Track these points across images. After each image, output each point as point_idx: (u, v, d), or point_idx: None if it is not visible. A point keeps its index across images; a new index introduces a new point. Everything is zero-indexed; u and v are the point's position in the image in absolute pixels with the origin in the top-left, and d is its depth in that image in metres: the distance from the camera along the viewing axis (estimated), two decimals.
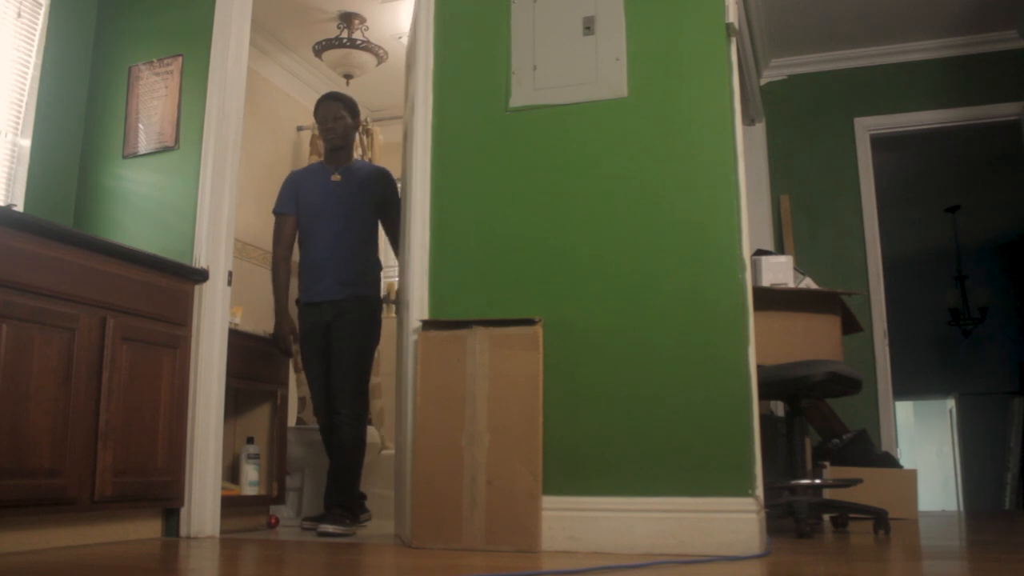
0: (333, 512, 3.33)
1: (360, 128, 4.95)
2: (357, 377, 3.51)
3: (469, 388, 2.64)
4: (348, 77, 4.82)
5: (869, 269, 5.04)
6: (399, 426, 2.96)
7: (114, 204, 3.43)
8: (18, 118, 3.37)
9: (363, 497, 3.70)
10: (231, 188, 3.30)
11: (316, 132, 4.99)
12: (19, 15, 3.35)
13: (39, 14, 3.44)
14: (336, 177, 3.69)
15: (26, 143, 3.36)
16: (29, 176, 3.35)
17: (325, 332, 3.55)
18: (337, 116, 3.70)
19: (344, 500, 3.39)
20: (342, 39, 4.63)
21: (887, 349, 4.93)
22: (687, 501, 2.45)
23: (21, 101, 3.38)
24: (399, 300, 3.16)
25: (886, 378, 4.88)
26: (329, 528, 3.20)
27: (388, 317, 5.18)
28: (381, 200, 3.71)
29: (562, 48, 2.86)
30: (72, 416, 2.57)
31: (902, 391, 6.14)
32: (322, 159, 3.83)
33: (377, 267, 3.73)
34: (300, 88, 5.21)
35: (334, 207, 3.63)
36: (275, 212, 3.74)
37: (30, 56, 3.41)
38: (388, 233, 3.76)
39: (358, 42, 4.64)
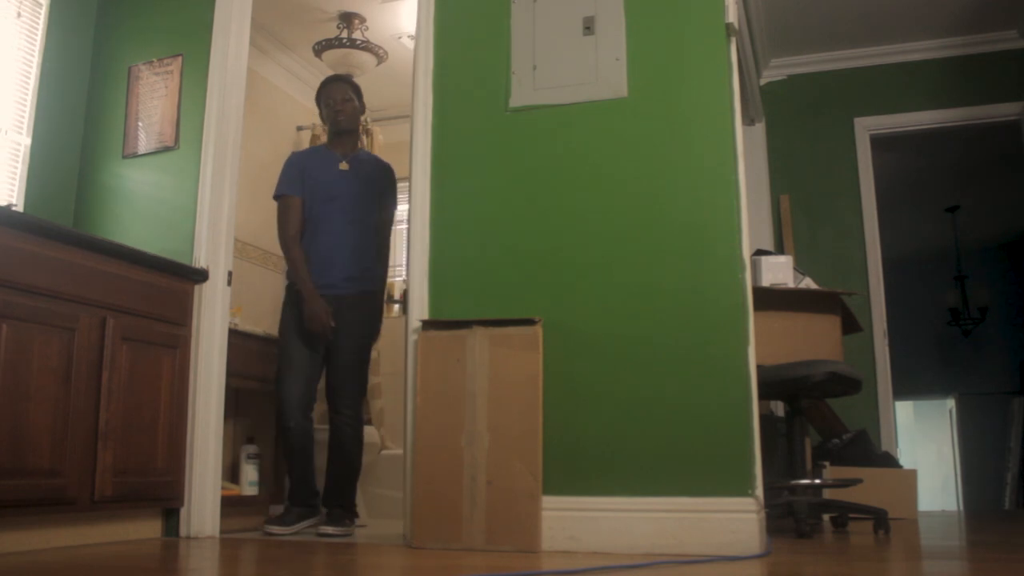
0: (334, 512, 3.30)
1: (360, 127, 4.94)
2: (360, 376, 3.44)
3: (469, 388, 2.64)
4: None
5: (869, 269, 5.04)
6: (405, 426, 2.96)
7: (114, 204, 3.43)
8: (20, 118, 3.37)
9: (315, 496, 3.48)
10: (231, 188, 3.30)
11: (317, 128, 4.98)
12: (19, 15, 3.35)
13: (39, 14, 3.44)
14: (344, 166, 3.52)
15: (26, 142, 3.36)
16: (29, 176, 3.35)
17: None
18: (346, 97, 3.55)
19: (344, 500, 3.37)
20: (342, 39, 4.63)
21: (887, 349, 4.93)
22: (687, 501, 2.45)
23: (22, 100, 3.38)
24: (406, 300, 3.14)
25: (886, 378, 4.88)
26: (329, 529, 3.18)
27: (388, 317, 5.18)
28: (381, 195, 3.59)
29: (562, 48, 2.86)
30: (72, 416, 2.57)
31: (902, 391, 6.14)
32: (326, 144, 3.65)
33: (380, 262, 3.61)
34: (300, 88, 5.21)
35: (342, 198, 3.46)
36: (280, 194, 3.47)
37: (30, 56, 3.41)
38: (385, 231, 3.64)
39: (358, 42, 4.63)
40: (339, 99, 3.53)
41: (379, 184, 3.59)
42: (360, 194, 3.50)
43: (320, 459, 3.53)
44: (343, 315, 3.40)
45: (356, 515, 3.47)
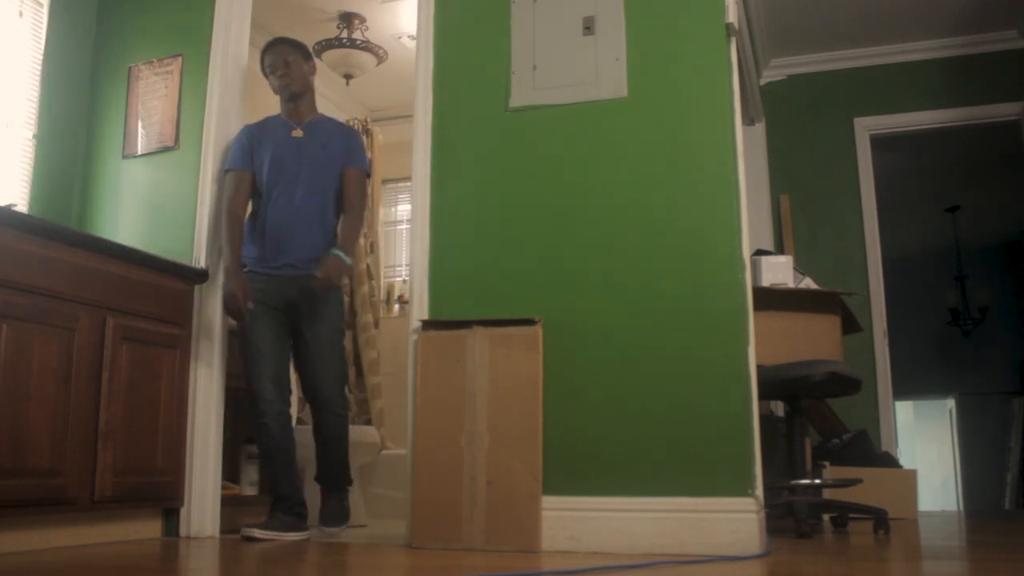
0: (329, 504, 3.15)
1: (360, 127, 4.94)
2: (341, 363, 3.17)
3: (469, 388, 2.64)
4: (348, 77, 4.82)
5: (869, 269, 5.04)
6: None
7: (114, 204, 3.43)
8: (31, 115, 3.37)
9: (303, 506, 3.11)
10: None
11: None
12: (21, 15, 3.35)
13: (41, 14, 3.44)
14: (298, 133, 3.21)
15: (30, 136, 3.37)
16: (30, 174, 3.35)
17: (286, 308, 3.09)
18: (288, 60, 3.21)
19: (341, 482, 3.19)
20: (342, 39, 4.63)
21: (887, 349, 4.93)
22: (687, 501, 2.45)
23: (31, 99, 3.38)
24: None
25: (886, 378, 4.88)
26: (332, 529, 3.13)
27: (388, 317, 5.18)
28: (345, 155, 3.22)
29: (562, 48, 2.86)
30: (72, 416, 2.57)
31: (902, 391, 6.14)
32: (281, 112, 3.30)
33: None
34: None
35: (296, 167, 3.14)
36: (226, 169, 3.20)
37: (35, 55, 3.40)
38: (345, 191, 3.19)
39: (358, 42, 4.64)
40: (280, 63, 3.22)
41: (340, 147, 3.23)
42: (316, 161, 3.17)
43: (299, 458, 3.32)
44: (310, 299, 3.08)
45: (350, 480, 3.26)
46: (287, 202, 3.13)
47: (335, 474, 3.21)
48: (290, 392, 3.17)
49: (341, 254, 3.03)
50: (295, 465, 3.12)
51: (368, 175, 3.30)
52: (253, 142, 3.22)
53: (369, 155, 5.01)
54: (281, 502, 3.03)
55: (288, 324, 3.12)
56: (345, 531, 3.16)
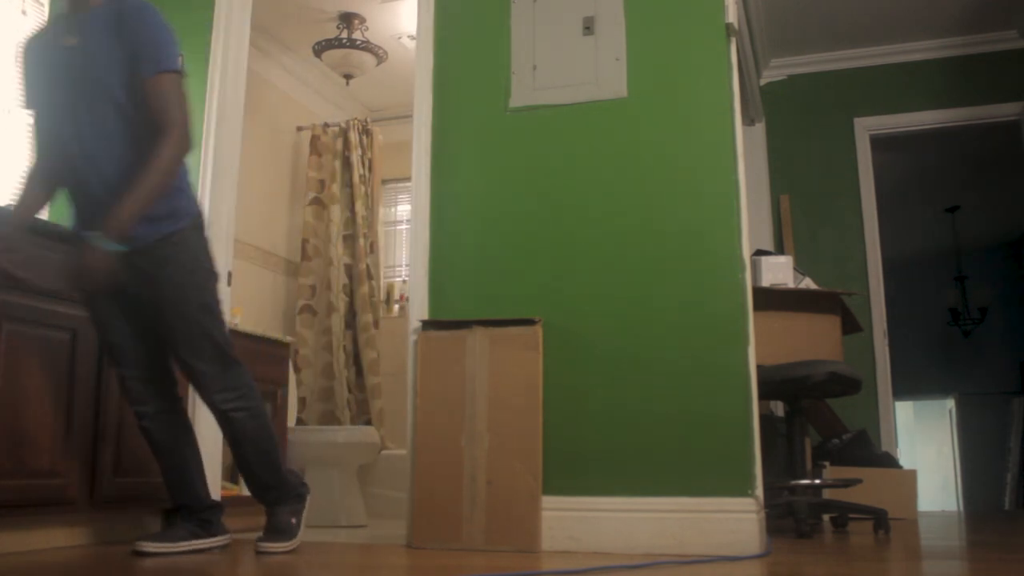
0: (274, 518, 2.54)
1: (360, 128, 4.94)
2: (211, 338, 2.36)
3: (469, 388, 2.64)
4: (348, 77, 4.82)
5: (869, 269, 5.04)
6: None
7: None
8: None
9: (211, 510, 2.60)
10: (231, 188, 3.30)
11: (317, 129, 4.96)
12: (24, 13, 3.35)
13: (42, 13, 3.44)
14: (70, 40, 2.25)
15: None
16: None
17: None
18: None
19: (279, 492, 2.56)
20: (342, 39, 4.63)
21: (887, 349, 4.94)
22: (687, 501, 2.45)
23: None
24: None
25: (886, 378, 4.89)
26: (269, 546, 2.45)
27: (388, 317, 5.18)
28: (130, 60, 2.23)
29: (562, 48, 2.86)
30: (72, 416, 2.57)
31: (902, 391, 6.14)
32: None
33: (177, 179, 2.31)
34: (300, 88, 5.21)
35: (67, 93, 2.25)
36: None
37: None
38: (148, 110, 2.23)
39: (358, 42, 4.64)
40: None
41: (111, 51, 2.23)
42: (85, 79, 2.23)
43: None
44: (140, 278, 2.31)
45: (303, 487, 2.63)
46: (67, 146, 2.27)
47: (260, 485, 2.54)
48: (172, 380, 2.52)
49: (100, 242, 2.13)
50: (192, 468, 2.57)
51: (181, 74, 2.31)
52: (28, 65, 2.34)
53: (369, 155, 5.01)
54: (180, 510, 2.57)
55: (124, 297, 2.36)
56: (290, 547, 2.50)
